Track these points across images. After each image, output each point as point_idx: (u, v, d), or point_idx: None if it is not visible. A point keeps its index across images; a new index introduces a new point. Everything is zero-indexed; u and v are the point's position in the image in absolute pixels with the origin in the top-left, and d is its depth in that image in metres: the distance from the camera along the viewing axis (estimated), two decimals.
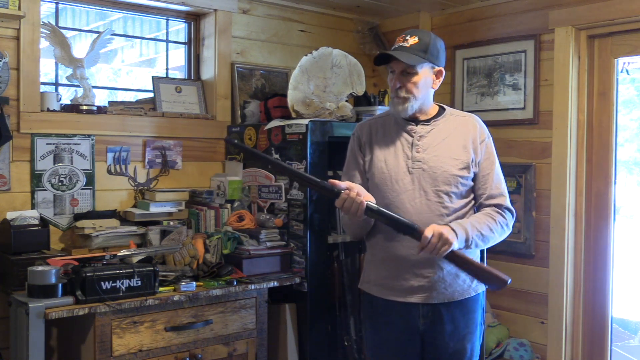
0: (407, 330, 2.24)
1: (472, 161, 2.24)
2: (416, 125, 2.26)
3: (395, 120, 2.30)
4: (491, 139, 2.33)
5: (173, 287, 2.65)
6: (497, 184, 2.28)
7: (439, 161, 2.21)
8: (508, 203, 2.28)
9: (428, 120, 2.27)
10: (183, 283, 2.65)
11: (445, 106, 2.34)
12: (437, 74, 2.26)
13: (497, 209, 2.24)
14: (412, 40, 2.18)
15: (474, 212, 2.27)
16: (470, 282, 2.25)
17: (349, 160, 2.38)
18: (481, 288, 2.31)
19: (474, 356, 2.31)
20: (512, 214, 2.29)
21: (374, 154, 2.28)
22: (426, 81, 2.22)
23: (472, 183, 2.26)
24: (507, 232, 2.28)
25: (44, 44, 3.00)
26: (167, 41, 3.66)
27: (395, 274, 2.22)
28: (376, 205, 2.10)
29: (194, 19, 3.64)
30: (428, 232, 2.05)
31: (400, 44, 2.20)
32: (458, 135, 2.26)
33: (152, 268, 2.57)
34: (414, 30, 2.23)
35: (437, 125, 2.27)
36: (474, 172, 2.26)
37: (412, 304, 2.21)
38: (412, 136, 2.25)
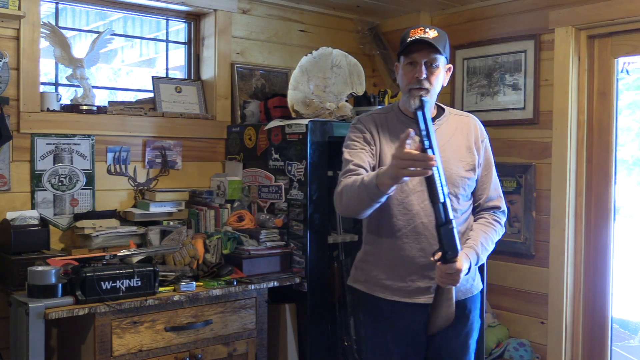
0: (413, 331, 2.20)
1: (477, 163, 2.23)
2: None
3: (398, 117, 2.23)
4: (488, 139, 2.32)
5: (173, 287, 2.65)
6: (496, 186, 2.29)
7: (448, 163, 2.15)
8: (504, 204, 2.30)
9: (432, 120, 2.18)
10: (183, 283, 2.65)
11: (443, 105, 2.31)
12: (448, 71, 2.22)
13: (494, 215, 2.26)
14: (432, 33, 2.11)
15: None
16: (472, 281, 2.26)
17: (353, 145, 2.20)
18: (480, 287, 2.32)
19: (472, 353, 2.31)
20: (505, 214, 2.30)
21: (382, 150, 2.19)
22: (441, 76, 2.17)
23: (474, 184, 2.24)
24: (502, 233, 2.29)
25: (44, 44, 3.00)
26: (167, 41, 3.66)
27: (401, 275, 2.17)
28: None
29: (194, 19, 3.64)
30: (462, 265, 2.02)
31: (422, 36, 2.09)
32: (460, 136, 2.24)
33: (152, 268, 2.57)
34: (428, 25, 2.17)
35: (441, 125, 2.22)
36: (478, 174, 2.24)
37: (419, 304, 2.17)
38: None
